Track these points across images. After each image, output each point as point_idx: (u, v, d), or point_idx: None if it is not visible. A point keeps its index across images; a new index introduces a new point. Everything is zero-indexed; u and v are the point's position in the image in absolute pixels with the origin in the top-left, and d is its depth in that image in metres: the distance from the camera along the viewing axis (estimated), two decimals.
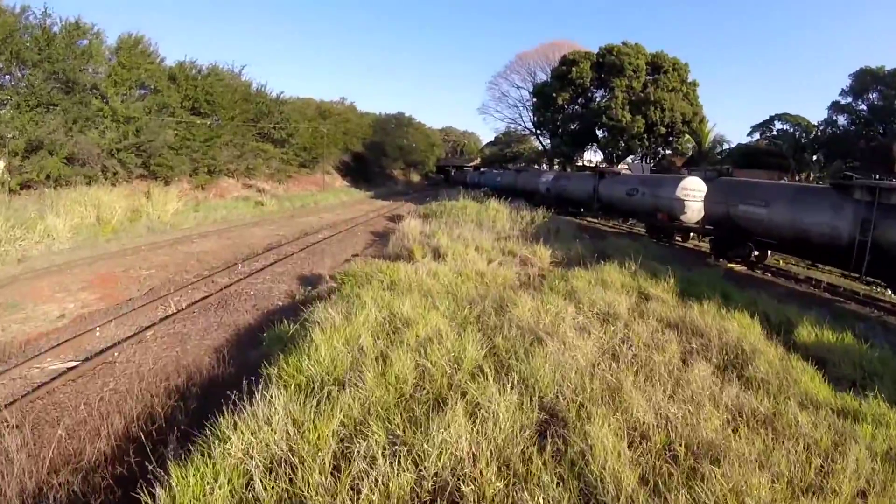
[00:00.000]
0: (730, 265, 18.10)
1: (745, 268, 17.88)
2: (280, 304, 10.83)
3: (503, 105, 62.29)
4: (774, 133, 68.37)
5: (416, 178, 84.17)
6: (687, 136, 42.60)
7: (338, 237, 20.24)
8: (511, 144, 73.87)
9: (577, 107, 44.00)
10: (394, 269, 10.44)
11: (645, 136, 39.91)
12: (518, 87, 57.90)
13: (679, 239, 23.11)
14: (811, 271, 18.02)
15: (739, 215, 17.90)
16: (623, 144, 41.16)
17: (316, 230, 22.71)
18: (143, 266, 14.12)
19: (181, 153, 31.25)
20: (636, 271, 12.38)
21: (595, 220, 30.34)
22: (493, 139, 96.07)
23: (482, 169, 68.41)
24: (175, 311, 10.01)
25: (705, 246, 22.29)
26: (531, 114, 56.88)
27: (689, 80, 43.82)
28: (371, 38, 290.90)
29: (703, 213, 22.10)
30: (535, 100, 47.97)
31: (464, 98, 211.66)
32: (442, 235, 16.98)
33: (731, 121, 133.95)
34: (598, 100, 42.78)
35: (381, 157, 68.22)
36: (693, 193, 21.91)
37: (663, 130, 39.90)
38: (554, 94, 42.39)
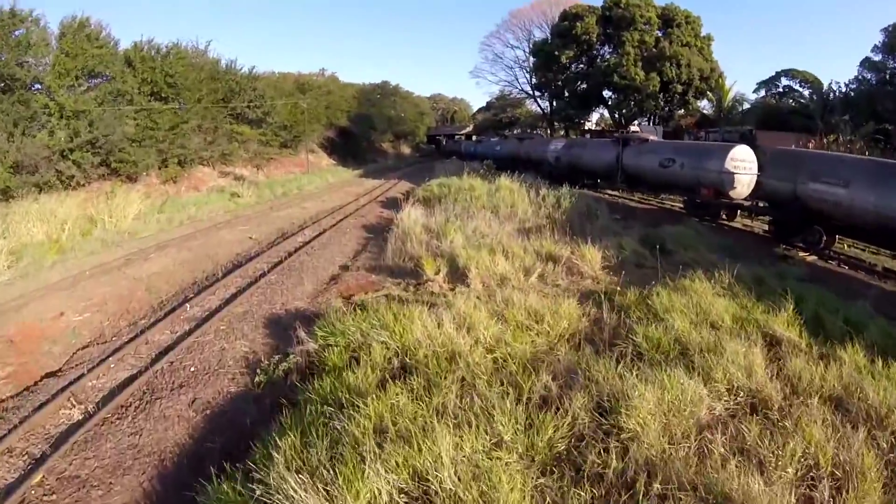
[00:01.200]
0: (801, 254, 14.96)
1: (814, 257, 14.78)
2: (232, 390, 7.37)
3: (498, 67, 57.95)
4: (783, 90, 64.66)
5: (406, 150, 79.85)
6: (705, 95, 38.80)
7: (322, 239, 16.65)
8: (506, 109, 69.60)
9: (582, 65, 39.96)
10: (403, 319, 7.09)
11: (660, 95, 36.13)
12: (513, 48, 53.50)
13: (724, 217, 19.83)
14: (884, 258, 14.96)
15: (810, 195, 14.86)
16: (634, 106, 37.41)
17: (296, 228, 19.20)
18: (77, 307, 10.67)
19: (144, 145, 27.88)
20: (731, 283, 9.26)
21: (617, 194, 26.93)
22: (485, 104, 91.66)
23: (478, 137, 64.36)
24: (80, 417, 6.67)
25: (756, 226, 19.12)
26: (529, 75, 52.72)
27: (703, 34, 39.82)
28: (347, 3, 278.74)
29: (751, 188, 19.00)
30: (534, 60, 43.69)
31: (452, 63, 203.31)
32: (454, 233, 13.60)
33: (733, 76, 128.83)
34: (606, 57, 38.73)
35: (369, 131, 63.86)
36: (744, 165, 18.70)
37: (680, 89, 36.12)
38: (556, 53, 38.25)
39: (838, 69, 77.58)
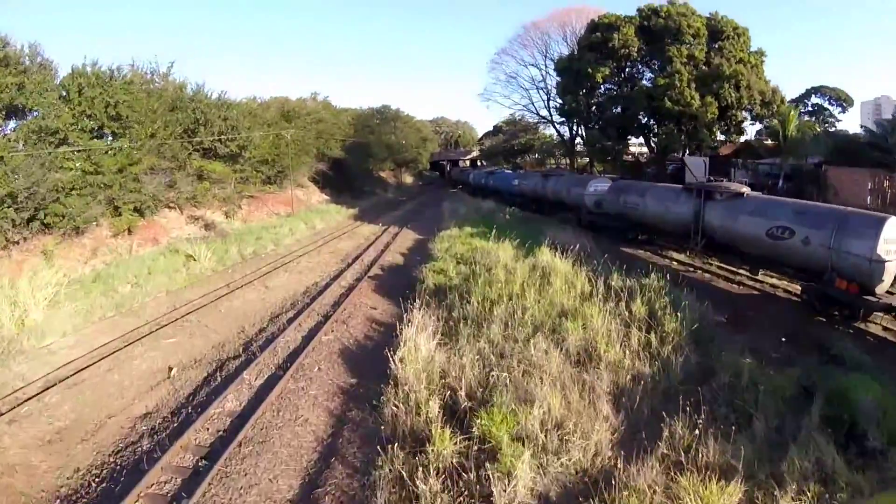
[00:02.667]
0: None
1: None
2: None
3: (511, 88, 51.74)
4: (812, 108, 58.20)
5: (408, 179, 73.65)
6: (766, 121, 32.39)
7: (270, 402, 9.77)
8: (518, 134, 63.44)
9: (617, 86, 33.63)
10: None
11: (718, 123, 29.78)
12: (528, 65, 47.37)
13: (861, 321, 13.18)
14: None
15: None
16: (686, 136, 31.05)
17: (241, 347, 12.56)
18: None
19: (84, 193, 22.06)
20: None
21: (683, 257, 20.34)
22: (492, 128, 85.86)
23: (489, 167, 58.05)
24: None
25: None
26: (546, 97, 46.55)
27: (753, 48, 33.64)
28: (346, 27, 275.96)
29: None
30: (558, 79, 37.37)
31: (456, 84, 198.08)
32: (511, 450, 6.94)
33: None
34: (648, 76, 32.51)
35: (367, 160, 57.65)
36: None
37: (740, 116, 29.75)
38: (589, 70, 31.92)
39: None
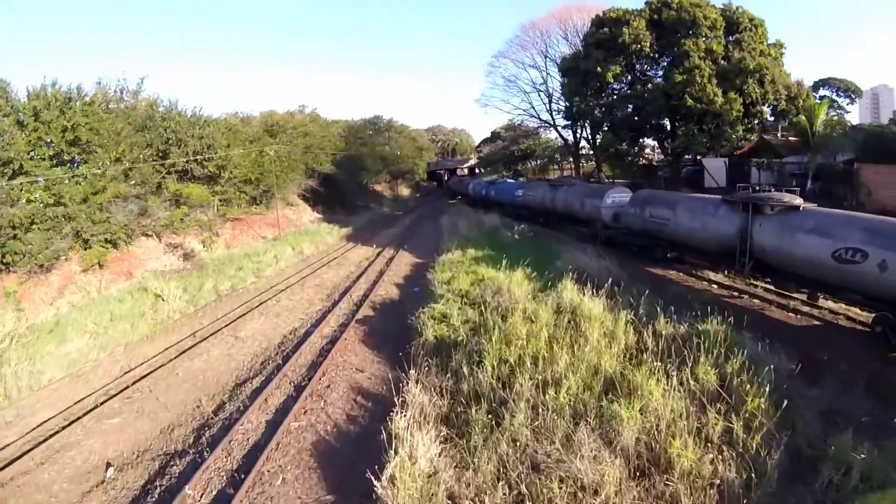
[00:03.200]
0: None
1: None
2: None
3: (510, 93, 49.18)
4: (819, 100, 55.60)
5: (405, 190, 70.98)
6: (785, 117, 29.69)
7: None
8: (518, 140, 60.79)
9: (628, 84, 30.94)
10: None
11: (743, 121, 27.09)
12: (528, 67, 44.76)
13: None
14: None
15: None
16: (707, 137, 28.35)
17: (192, 439, 9.79)
18: None
19: (45, 227, 20.00)
20: None
21: (723, 279, 17.59)
22: (490, 134, 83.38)
23: (489, 177, 55.47)
24: None
25: None
26: (548, 99, 43.92)
27: (771, 40, 31.00)
28: (337, 36, 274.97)
29: None
30: (562, 80, 34.62)
31: (451, 91, 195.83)
32: None
33: None
34: (659, 73, 29.82)
35: (359, 173, 55.02)
36: None
37: (766, 112, 27.09)
38: (598, 70, 29.20)
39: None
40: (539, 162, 59.08)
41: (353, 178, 52.85)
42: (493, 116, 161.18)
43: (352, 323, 14.97)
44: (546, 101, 45.05)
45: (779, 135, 35.23)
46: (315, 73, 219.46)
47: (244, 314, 17.33)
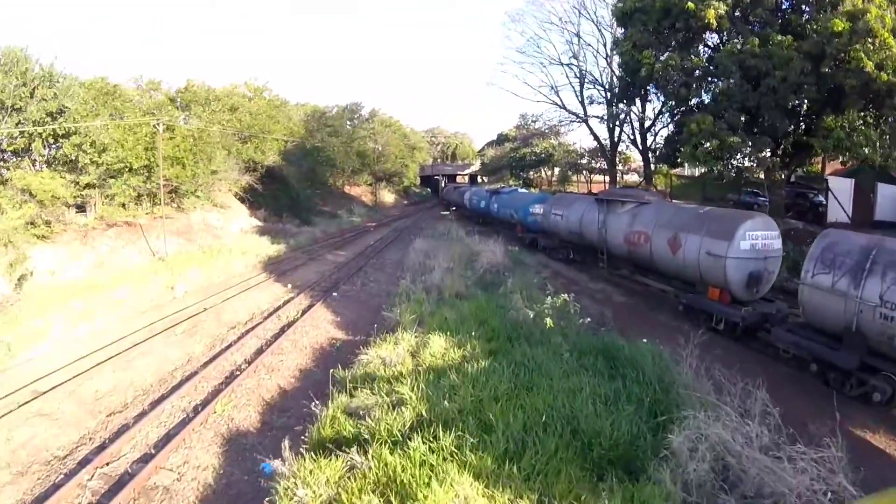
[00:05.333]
0: None
1: None
2: None
3: (535, 64, 36.43)
4: None
5: (390, 196, 58.07)
6: None
7: None
8: (530, 141, 48.22)
9: (737, 34, 17.93)
10: None
11: None
12: (562, 24, 32.15)
13: None
14: None
15: None
16: (881, 130, 15.87)
17: None
18: None
19: None
20: None
21: None
22: (496, 137, 71.04)
23: (492, 184, 42.89)
24: None
25: None
26: (580, 80, 31.43)
27: None
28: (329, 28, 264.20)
29: None
30: (623, 31, 21.50)
31: (452, 101, 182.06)
32: None
33: None
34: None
35: (326, 170, 42.49)
36: None
37: None
38: (688, 4, 16.44)
39: None
40: (559, 170, 46.55)
41: (316, 176, 40.23)
42: (496, 123, 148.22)
43: None
44: (577, 83, 32.61)
45: None
46: (316, 71, 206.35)
47: None
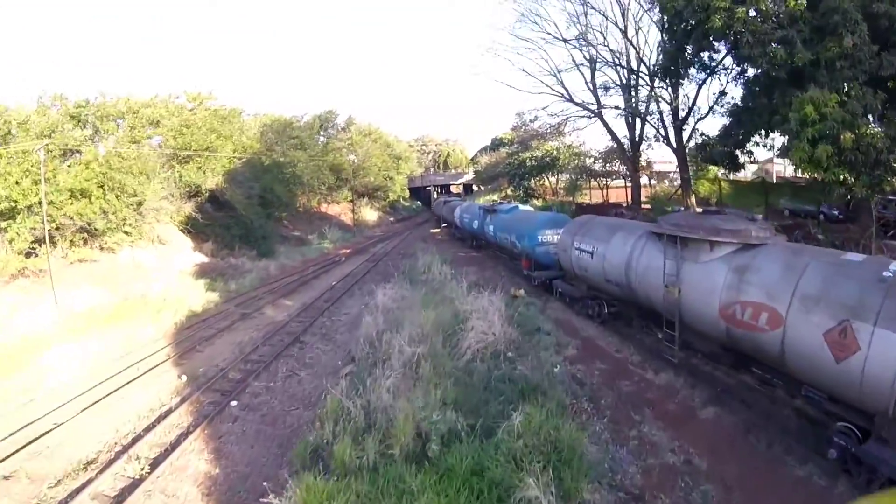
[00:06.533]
0: None
1: None
2: None
3: (534, 49, 29.84)
4: None
5: (372, 214, 51.63)
6: None
7: None
8: (528, 144, 41.93)
9: None
10: None
11: None
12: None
13: None
14: None
15: None
16: None
17: None
18: None
19: None
20: None
21: None
22: (490, 142, 65.08)
23: (487, 197, 36.66)
24: None
25: None
26: (591, 66, 25.36)
27: None
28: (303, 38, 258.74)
29: None
30: None
31: (441, 111, 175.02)
32: None
33: None
34: None
35: (289, 190, 36.21)
36: None
37: None
38: None
39: None
40: (567, 176, 40.19)
41: (277, 198, 33.91)
42: (491, 128, 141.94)
43: None
44: (586, 68, 26.37)
45: None
46: (303, 79, 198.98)
47: None
